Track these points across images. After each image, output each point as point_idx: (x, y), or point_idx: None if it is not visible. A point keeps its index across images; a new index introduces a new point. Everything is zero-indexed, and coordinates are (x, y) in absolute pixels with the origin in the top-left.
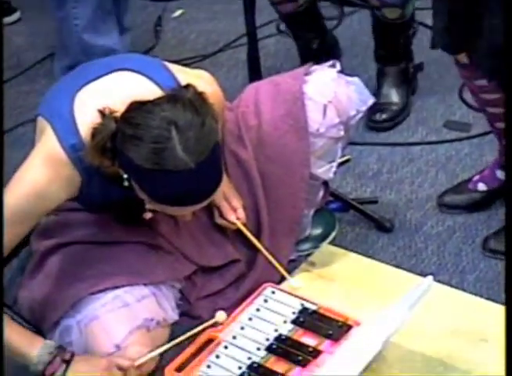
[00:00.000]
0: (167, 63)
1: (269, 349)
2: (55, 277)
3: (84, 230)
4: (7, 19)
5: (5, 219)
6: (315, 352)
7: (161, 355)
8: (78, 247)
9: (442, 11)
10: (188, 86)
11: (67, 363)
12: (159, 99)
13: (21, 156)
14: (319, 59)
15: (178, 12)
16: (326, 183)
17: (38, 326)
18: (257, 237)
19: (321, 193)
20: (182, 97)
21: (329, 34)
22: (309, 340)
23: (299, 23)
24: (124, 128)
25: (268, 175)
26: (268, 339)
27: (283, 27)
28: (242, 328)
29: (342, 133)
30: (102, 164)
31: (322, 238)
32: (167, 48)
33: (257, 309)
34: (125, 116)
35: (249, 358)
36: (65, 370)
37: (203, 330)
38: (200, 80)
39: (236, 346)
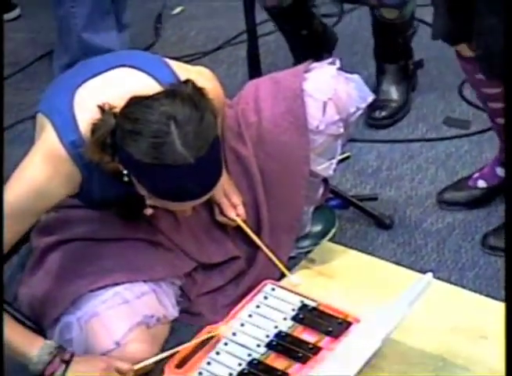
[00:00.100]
0: (167, 60)
1: (269, 346)
2: (56, 274)
3: (84, 227)
4: (7, 16)
5: (5, 216)
6: (315, 349)
7: (161, 350)
8: (78, 243)
9: (442, 1)
10: (187, 81)
11: (67, 363)
12: (158, 94)
13: (21, 153)
14: (309, 50)
15: (177, 9)
16: (325, 180)
17: (38, 322)
18: (257, 234)
19: (321, 190)
20: (180, 92)
21: (329, 30)
22: (309, 337)
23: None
24: (124, 123)
25: (268, 172)
26: (268, 336)
27: None
28: (242, 325)
29: (342, 130)
30: (102, 160)
31: (321, 235)
32: (167, 45)
33: (257, 306)
34: (124, 111)
35: (249, 355)
36: (64, 371)
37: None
38: (200, 76)
39: (236, 343)
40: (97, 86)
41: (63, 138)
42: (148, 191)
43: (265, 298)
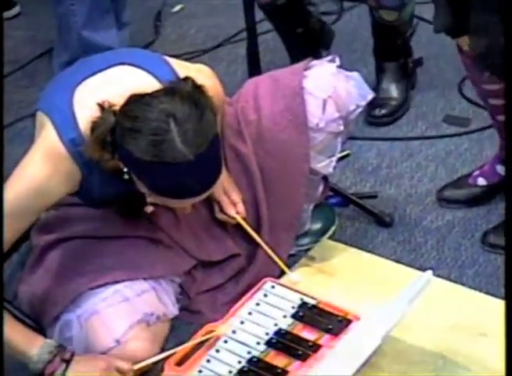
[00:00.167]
0: (166, 58)
1: (269, 344)
2: (56, 272)
3: (84, 225)
4: (7, 14)
5: (6, 214)
6: (315, 347)
7: (161, 349)
8: (78, 241)
9: None
10: (186, 79)
11: (67, 362)
12: (157, 91)
13: (21, 151)
14: (305, 49)
15: (177, 7)
16: (325, 178)
17: (38, 321)
18: (257, 232)
19: (320, 188)
20: (180, 90)
21: (326, 28)
22: (309, 334)
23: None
24: (123, 121)
25: (267, 170)
26: (267, 333)
27: None
28: (242, 323)
29: (342, 128)
30: (101, 158)
31: (321, 233)
32: (167, 43)
33: (257, 304)
34: (124, 109)
35: (249, 352)
36: (65, 370)
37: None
38: (200, 74)
39: (236, 341)
40: (97, 84)
41: (62, 136)
42: (148, 188)
43: (265, 295)
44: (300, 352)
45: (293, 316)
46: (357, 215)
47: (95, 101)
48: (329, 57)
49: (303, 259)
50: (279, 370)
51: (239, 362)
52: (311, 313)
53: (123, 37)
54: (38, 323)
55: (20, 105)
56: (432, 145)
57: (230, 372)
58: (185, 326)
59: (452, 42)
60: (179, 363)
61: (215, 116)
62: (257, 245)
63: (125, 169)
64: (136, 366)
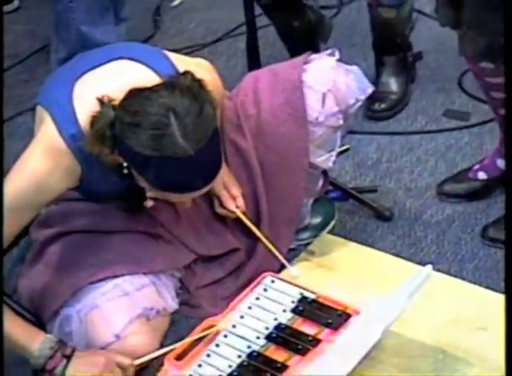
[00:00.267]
0: (166, 52)
1: (269, 338)
2: (55, 266)
3: (84, 219)
4: (6, 8)
5: (6, 210)
6: (315, 341)
7: (161, 344)
8: (78, 236)
9: None
10: (186, 73)
11: (68, 358)
12: (157, 86)
13: (21, 145)
14: (301, 42)
15: (177, 1)
16: (325, 172)
17: (38, 315)
18: (257, 226)
19: (320, 182)
20: (179, 84)
21: (324, 21)
22: (309, 329)
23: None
24: (123, 115)
25: (267, 164)
26: (267, 328)
27: None
28: (241, 317)
29: (341, 122)
30: (101, 153)
31: (321, 227)
32: (166, 38)
33: (257, 298)
34: (123, 103)
35: (248, 347)
36: (65, 366)
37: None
38: (199, 68)
39: (236, 335)
40: (96, 78)
41: (62, 131)
42: (148, 183)
43: (265, 290)
44: (300, 347)
45: (293, 310)
46: (357, 209)
47: (94, 95)
48: (329, 51)
49: (303, 253)
50: (278, 365)
51: (239, 356)
52: (310, 308)
53: (120, 32)
54: (38, 318)
55: (20, 99)
56: (432, 139)
57: (230, 366)
58: (185, 320)
59: (452, 36)
60: (179, 358)
61: (215, 110)
62: (257, 239)
63: (125, 164)
64: (137, 362)
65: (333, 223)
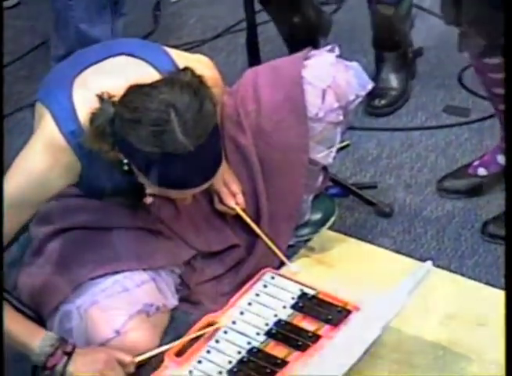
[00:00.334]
0: (166, 48)
1: (269, 334)
2: (55, 263)
3: (84, 216)
4: (6, 3)
5: (6, 207)
6: (315, 337)
7: (161, 339)
8: (78, 232)
9: None
10: (186, 69)
11: (69, 355)
12: (157, 82)
13: (20, 141)
14: (302, 38)
15: None
16: (325, 168)
17: (38, 311)
18: (257, 222)
19: (320, 179)
20: (179, 80)
21: (324, 17)
22: (308, 325)
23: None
24: (123, 111)
25: (267, 161)
26: (267, 324)
27: None
28: (241, 313)
29: (341, 118)
30: (101, 150)
31: (321, 223)
32: (166, 33)
33: (257, 294)
34: (123, 100)
35: (248, 343)
36: (66, 363)
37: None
38: (199, 64)
39: (236, 331)
40: (96, 75)
41: (62, 127)
42: (148, 179)
43: (265, 286)
44: (299, 343)
45: (293, 306)
46: (357, 205)
47: (94, 92)
48: (329, 47)
49: (302, 250)
50: (278, 361)
51: (239, 352)
52: (310, 304)
53: (117, 27)
54: (38, 314)
55: (20, 95)
56: (432, 135)
57: (230, 362)
58: (185, 316)
59: (452, 32)
60: (179, 354)
61: (215, 106)
62: (257, 236)
63: (125, 160)
64: (138, 359)
65: (333, 219)
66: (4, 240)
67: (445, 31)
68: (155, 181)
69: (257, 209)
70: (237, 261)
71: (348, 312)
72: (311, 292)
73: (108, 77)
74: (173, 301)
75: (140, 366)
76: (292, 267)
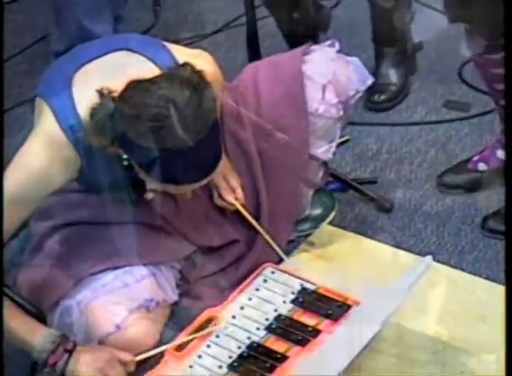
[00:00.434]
0: (165, 43)
1: (269, 329)
2: (55, 258)
3: (84, 211)
4: None
5: (6, 202)
6: (315, 332)
7: (161, 334)
8: (78, 227)
9: None
10: (185, 64)
11: (70, 352)
12: (156, 77)
13: (20, 136)
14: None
15: None
16: (325, 164)
17: (38, 307)
18: (256, 218)
19: (320, 174)
20: (179, 75)
21: (323, 12)
22: (309, 320)
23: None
24: (122, 107)
25: (267, 156)
26: (267, 319)
27: None
28: (241, 308)
29: (341, 113)
30: (101, 145)
31: (321, 218)
32: (166, 28)
33: (257, 289)
34: (123, 95)
35: (248, 338)
36: (67, 360)
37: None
38: (199, 59)
39: (236, 326)
40: (95, 70)
41: (62, 123)
42: (148, 175)
43: (265, 281)
44: (300, 338)
45: (293, 301)
46: (357, 200)
47: (94, 87)
48: (329, 42)
49: (302, 245)
50: (278, 356)
51: (239, 347)
52: (310, 299)
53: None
54: (38, 309)
55: (20, 90)
56: (432, 130)
57: (230, 357)
58: (185, 312)
59: (452, 27)
60: (179, 349)
61: (215, 102)
62: (257, 231)
63: (125, 156)
64: (138, 358)
65: (333, 214)
66: (4, 236)
67: (445, 26)
68: (155, 176)
69: (257, 204)
70: (237, 256)
71: (348, 306)
72: (311, 287)
73: (108, 73)
74: (173, 296)
75: (140, 364)
76: (290, 263)
